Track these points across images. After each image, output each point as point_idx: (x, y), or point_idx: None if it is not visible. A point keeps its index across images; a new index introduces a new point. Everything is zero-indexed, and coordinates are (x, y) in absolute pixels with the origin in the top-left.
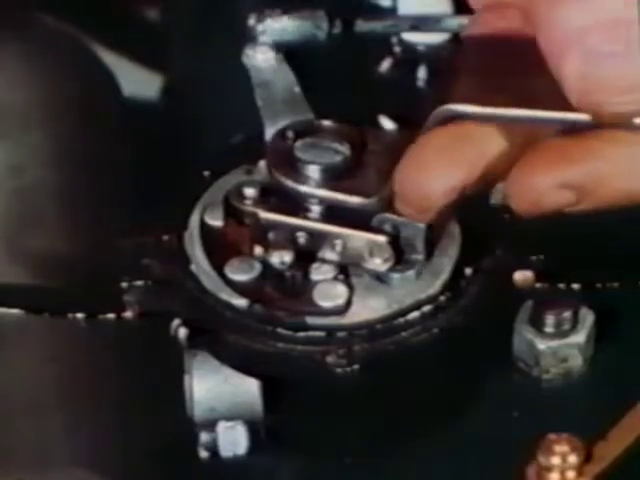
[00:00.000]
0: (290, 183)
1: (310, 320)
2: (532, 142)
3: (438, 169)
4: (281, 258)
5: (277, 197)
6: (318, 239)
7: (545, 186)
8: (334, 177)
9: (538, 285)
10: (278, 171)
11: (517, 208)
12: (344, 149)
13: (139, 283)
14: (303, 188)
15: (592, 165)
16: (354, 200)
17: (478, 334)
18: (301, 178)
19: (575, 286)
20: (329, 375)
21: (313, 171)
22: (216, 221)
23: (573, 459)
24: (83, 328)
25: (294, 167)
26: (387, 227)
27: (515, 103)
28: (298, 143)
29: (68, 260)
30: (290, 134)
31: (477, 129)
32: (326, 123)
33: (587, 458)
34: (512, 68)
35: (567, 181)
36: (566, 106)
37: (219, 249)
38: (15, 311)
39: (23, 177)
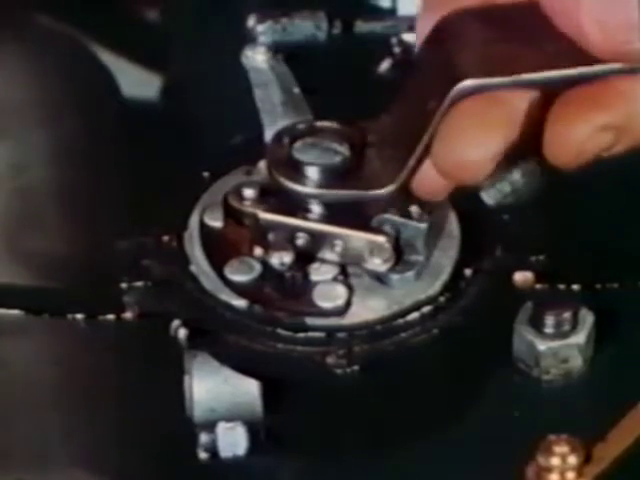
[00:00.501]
0: (291, 185)
1: (310, 321)
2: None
3: (479, 136)
4: (281, 259)
5: (276, 198)
6: (318, 240)
7: (587, 133)
8: (340, 176)
9: (538, 286)
10: (278, 172)
11: (561, 163)
12: (343, 149)
13: (139, 284)
14: (308, 190)
15: (627, 105)
16: (370, 194)
17: (478, 335)
18: (302, 179)
19: (575, 287)
20: (329, 376)
21: (313, 172)
22: (216, 222)
23: (573, 460)
24: (83, 329)
25: (294, 168)
26: (387, 228)
27: (531, 67)
28: (297, 144)
29: (68, 261)
30: (289, 135)
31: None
32: (325, 124)
33: (587, 459)
34: (509, 36)
35: (607, 123)
36: (576, 60)
37: (219, 250)
38: (15, 312)
39: (23, 177)
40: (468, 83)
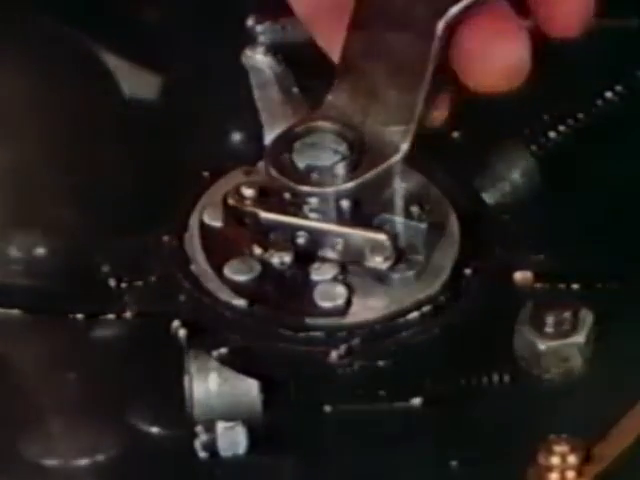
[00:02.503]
0: (292, 184)
1: (310, 320)
2: None
3: (513, 37)
4: (281, 258)
5: (276, 197)
6: (319, 238)
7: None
8: (350, 167)
9: (538, 285)
10: (278, 173)
11: (570, 32)
12: (342, 148)
13: (139, 283)
14: (322, 189)
15: None
16: (392, 160)
17: (478, 334)
18: (303, 179)
19: (575, 286)
20: (329, 375)
21: (314, 171)
22: (216, 222)
23: (573, 459)
24: (83, 328)
25: (294, 169)
26: (387, 227)
27: None
28: (297, 144)
29: (68, 260)
30: (288, 136)
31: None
32: (324, 123)
33: (587, 458)
34: None
35: None
36: None
37: (219, 249)
38: (14, 311)
39: (23, 177)
40: (448, 16)
